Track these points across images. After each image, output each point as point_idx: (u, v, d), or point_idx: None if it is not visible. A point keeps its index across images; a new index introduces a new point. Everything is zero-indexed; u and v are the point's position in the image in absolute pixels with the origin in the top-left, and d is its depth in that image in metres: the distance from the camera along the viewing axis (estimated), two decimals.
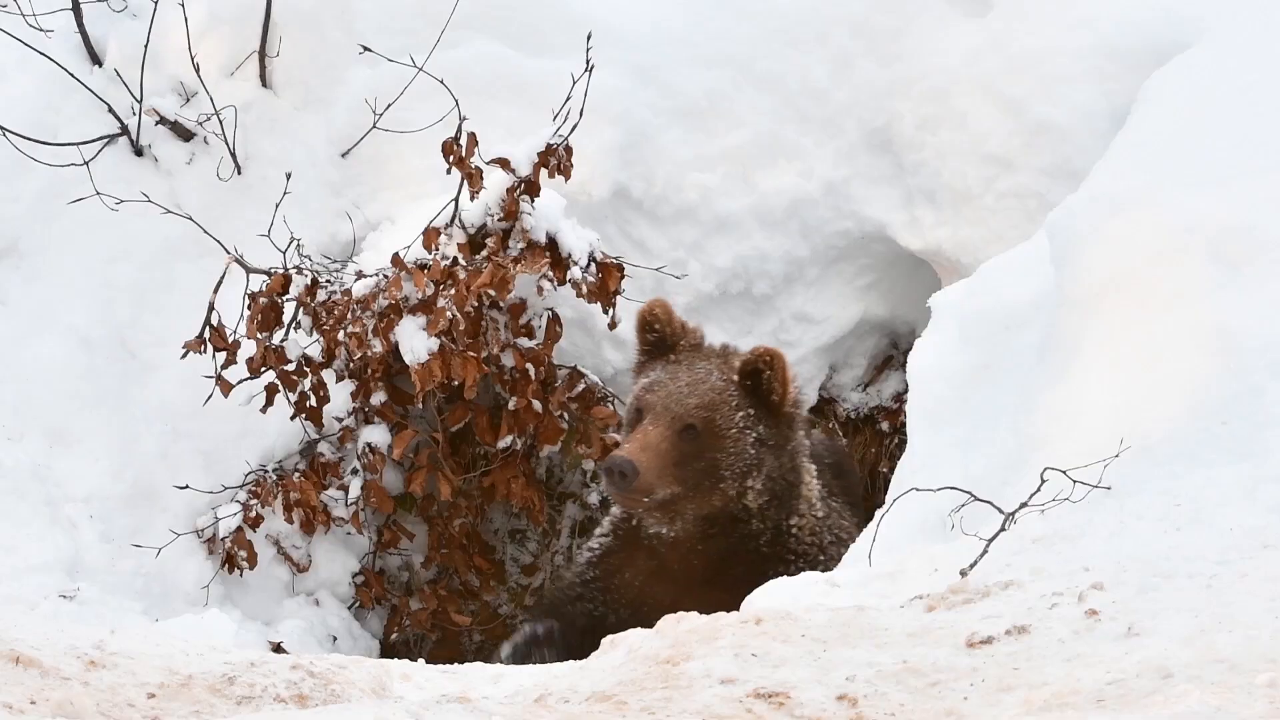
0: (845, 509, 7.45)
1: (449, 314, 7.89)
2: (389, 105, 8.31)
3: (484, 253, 8.03)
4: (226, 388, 7.95)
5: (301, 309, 8.04)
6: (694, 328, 7.34)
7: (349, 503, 8.23)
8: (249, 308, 7.97)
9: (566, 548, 8.89)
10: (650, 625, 6.55)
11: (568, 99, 7.96)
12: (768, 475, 7.08)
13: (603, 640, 4.80)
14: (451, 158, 7.89)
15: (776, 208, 8.72)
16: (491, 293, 7.93)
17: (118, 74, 8.44)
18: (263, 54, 8.54)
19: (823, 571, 6.81)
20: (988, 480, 5.77)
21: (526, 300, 8.24)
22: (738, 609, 6.21)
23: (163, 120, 8.49)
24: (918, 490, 5.65)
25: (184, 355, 7.94)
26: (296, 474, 8.20)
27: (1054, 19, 8.37)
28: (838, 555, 7.02)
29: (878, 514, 5.98)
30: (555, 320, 8.27)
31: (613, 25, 8.45)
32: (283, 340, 8.03)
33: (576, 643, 6.94)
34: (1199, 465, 5.15)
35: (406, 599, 8.53)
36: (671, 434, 6.99)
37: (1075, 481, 5.14)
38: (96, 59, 8.57)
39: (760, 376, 7.03)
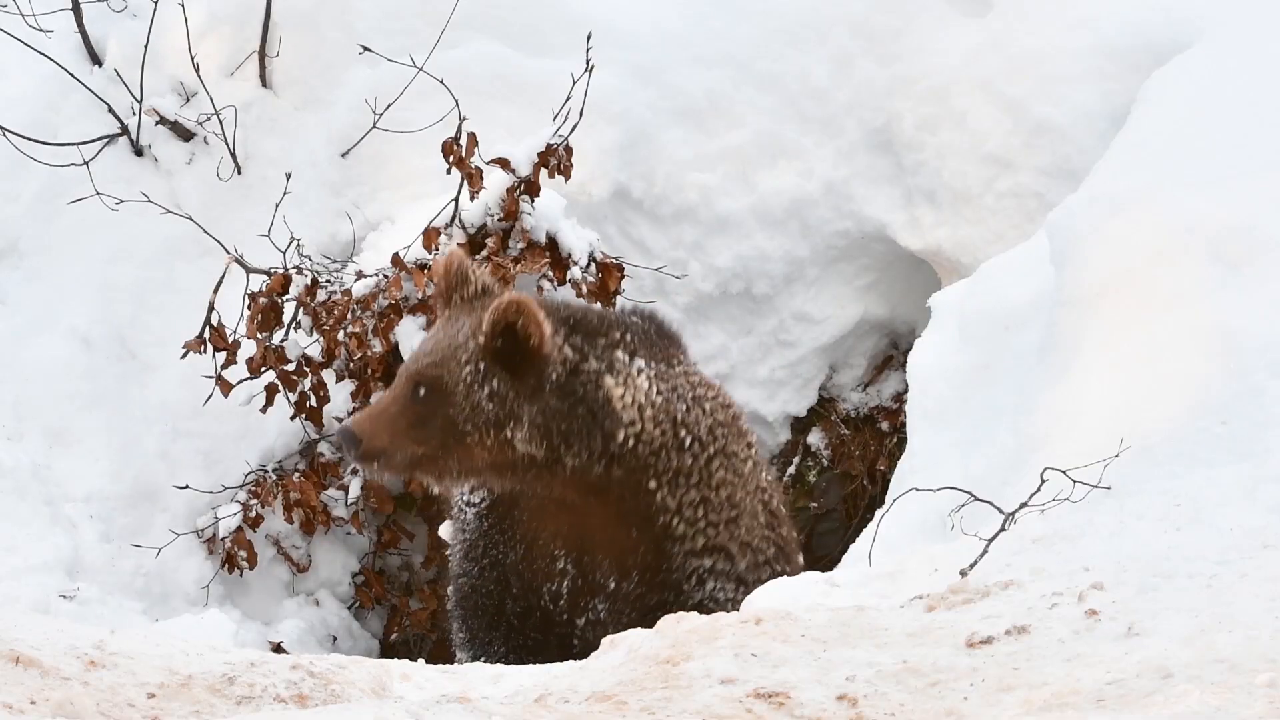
0: (686, 371, 6.73)
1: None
2: (389, 105, 8.32)
3: (484, 253, 8.03)
4: (226, 388, 7.95)
5: (301, 309, 8.04)
6: (479, 277, 6.73)
7: (349, 503, 8.23)
8: (249, 308, 7.97)
9: None
10: (545, 560, 6.60)
11: (568, 99, 7.96)
12: (531, 423, 6.51)
13: (602, 640, 4.81)
14: (451, 158, 7.89)
15: (776, 208, 8.72)
16: None
17: (118, 74, 8.44)
18: (263, 54, 8.54)
19: (668, 416, 6.62)
20: (988, 480, 5.77)
21: None
22: (630, 531, 6.45)
23: (163, 120, 8.49)
24: (918, 490, 5.64)
25: (184, 355, 7.95)
26: (296, 474, 8.20)
27: (1054, 19, 8.38)
28: (700, 419, 6.55)
29: (878, 514, 5.97)
30: None
31: (613, 25, 8.45)
32: (283, 340, 8.03)
33: (497, 594, 6.80)
34: (1199, 465, 5.14)
35: (406, 599, 8.53)
36: (403, 395, 6.55)
37: (1075, 481, 5.13)
38: (96, 59, 8.57)
39: (513, 329, 6.41)
